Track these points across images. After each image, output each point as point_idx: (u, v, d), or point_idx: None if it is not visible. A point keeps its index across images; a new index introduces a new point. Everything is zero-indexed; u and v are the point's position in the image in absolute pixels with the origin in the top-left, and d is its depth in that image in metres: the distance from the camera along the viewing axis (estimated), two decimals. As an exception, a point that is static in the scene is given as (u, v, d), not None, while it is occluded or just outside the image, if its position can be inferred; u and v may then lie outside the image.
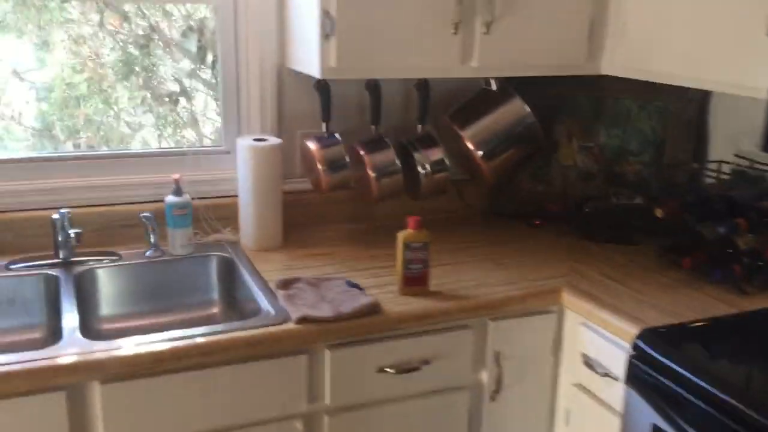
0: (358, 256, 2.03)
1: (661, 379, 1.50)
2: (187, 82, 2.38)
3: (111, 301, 1.88)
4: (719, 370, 1.49)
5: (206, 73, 2.38)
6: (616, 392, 1.69)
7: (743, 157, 2.05)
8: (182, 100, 2.42)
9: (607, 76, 2.09)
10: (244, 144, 1.98)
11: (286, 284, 1.77)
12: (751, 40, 1.63)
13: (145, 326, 1.87)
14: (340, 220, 2.27)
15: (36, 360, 1.40)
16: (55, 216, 1.83)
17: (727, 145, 2.19)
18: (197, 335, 1.52)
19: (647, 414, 1.55)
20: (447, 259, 1.99)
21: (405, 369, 1.71)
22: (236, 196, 2.08)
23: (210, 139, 2.34)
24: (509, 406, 1.88)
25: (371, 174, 2.03)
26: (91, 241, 1.93)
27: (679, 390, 1.46)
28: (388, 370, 1.70)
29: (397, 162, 2.05)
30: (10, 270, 1.82)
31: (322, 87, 2.03)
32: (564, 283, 1.88)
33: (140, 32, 2.34)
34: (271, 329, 1.57)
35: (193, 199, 1.98)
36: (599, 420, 1.77)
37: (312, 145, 2.02)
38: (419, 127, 2.16)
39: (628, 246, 2.16)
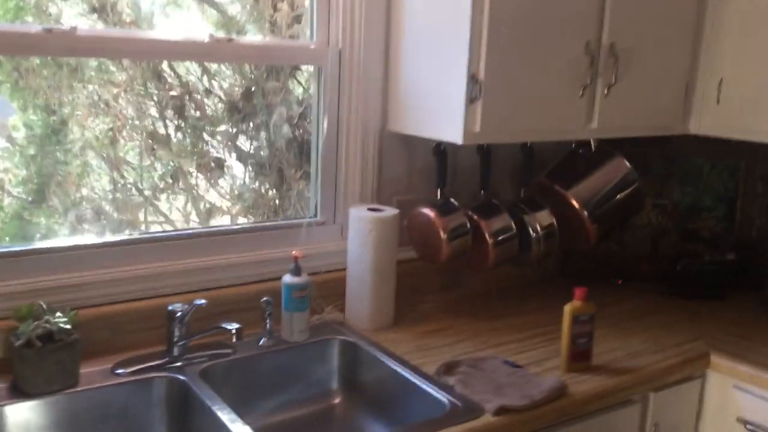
0: (479, 329, 1.90)
1: None
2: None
3: (235, 400, 1.62)
4: None
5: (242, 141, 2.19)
6: (791, 456, 1.66)
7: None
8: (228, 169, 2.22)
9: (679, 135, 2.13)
10: (361, 215, 1.82)
11: (449, 369, 1.61)
12: None
13: (278, 424, 1.63)
14: (431, 291, 2.13)
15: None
16: (177, 307, 1.57)
17: (798, 199, 2.28)
18: (404, 439, 1.33)
19: None
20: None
21: (587, 453, 1.59)
22: (339, 270, 1.91)
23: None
24: (661, 480, 1.80)
25: (489, 240, 1.92)
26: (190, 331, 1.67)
27: None
28: (573, 456, 1.57)
29: (514, 227, 1.95)
30: (119, 376, 1.53)
31: (440, 153, 1.91)
32: (706, 346, 1.84)
33: (173, 93, 2.12)
34: (474, 425, 1.41)
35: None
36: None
37: (430, 213, 1.89)
38: (522, 190, 2.09)
39: (720, 302, 2.18)
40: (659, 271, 2.28)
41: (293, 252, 1.74)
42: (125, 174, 2.05)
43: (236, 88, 2.16)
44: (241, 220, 2.12)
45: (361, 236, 1.82)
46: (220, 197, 2.21)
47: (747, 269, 2.24)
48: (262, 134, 2.20)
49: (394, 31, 1.90)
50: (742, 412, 1.76)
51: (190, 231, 1.82)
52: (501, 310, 2.05)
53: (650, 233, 2.36)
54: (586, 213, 2.06)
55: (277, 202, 2.24)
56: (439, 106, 1.76)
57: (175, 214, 2.15)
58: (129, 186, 2.05)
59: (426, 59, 1.80)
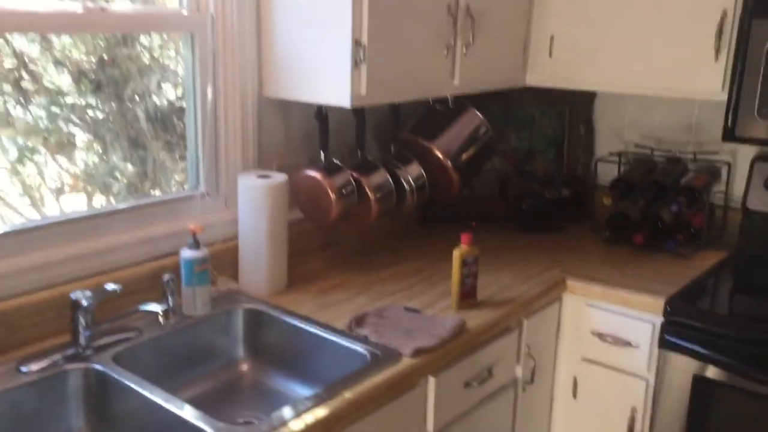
0: (369, 281, 2.02)
1: (699, 334, 1.85)
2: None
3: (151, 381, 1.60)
4: (742, 311, 1.98)
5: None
6: (638, 358, 1.99)
7: (644, 146, 2.52)
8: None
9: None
10: (252, 184, 1.83)
11: (360, 321, 1.71)
12: (693, 48, 2.05)
13: (195, 398, 1.63)
14: (312, 250, 2.20)
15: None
16: (80, 295, 1.50)
17: (612, 138, 2.65)
18: (342, 390, 1.42)
19: (686, 368, 1.87)
20: (445, 269, 2.04)
21: (483, 379, 1.80)
22: (227, 240, 1.92)
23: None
24: (535, 392, 2.08)
25: (372, 196, 2.03)
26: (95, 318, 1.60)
27: (719, 337, 1.81)
28: (473, 383, 1.76)
29: (391, 182, 2.07)
30: (26, 374, 1.44)
31: (322, 116, 1.96)
32: (561, 273, 2.12)
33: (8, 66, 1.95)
34: (398, 368, 1.53)
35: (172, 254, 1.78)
36: (617, 385, 2.05)
37: (317, 175, 1.94)
38: (392, 146, 2.21)
39: (560, 233, 2.50)
40: (507, 211, 2.54)
41: (190, 226, 1.72)
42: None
43: (84, 57, 2.01)
44: (100, 198, 2.02)
45: (253, 205, 1.84)
46: (70, 176, 2.07)
47: (578, 202, 2.58)
48: (116, 105, 2.09)
49: (264, -3, 1.89)
50: (595, 325, 2.07)
51: (73, 215, 1.71)
52: (381, 261, 2.19)
53: (496, 177, 2.61)
54: (449, 162, 2.23)
55: (138, 177, 2.15)
56: (322, 71, 1.81)
57: (17, 195, 1.98)
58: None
59: (304, 25, 1.82)
